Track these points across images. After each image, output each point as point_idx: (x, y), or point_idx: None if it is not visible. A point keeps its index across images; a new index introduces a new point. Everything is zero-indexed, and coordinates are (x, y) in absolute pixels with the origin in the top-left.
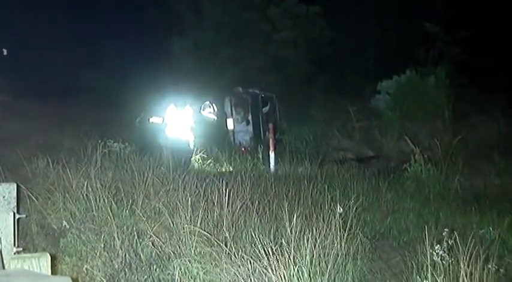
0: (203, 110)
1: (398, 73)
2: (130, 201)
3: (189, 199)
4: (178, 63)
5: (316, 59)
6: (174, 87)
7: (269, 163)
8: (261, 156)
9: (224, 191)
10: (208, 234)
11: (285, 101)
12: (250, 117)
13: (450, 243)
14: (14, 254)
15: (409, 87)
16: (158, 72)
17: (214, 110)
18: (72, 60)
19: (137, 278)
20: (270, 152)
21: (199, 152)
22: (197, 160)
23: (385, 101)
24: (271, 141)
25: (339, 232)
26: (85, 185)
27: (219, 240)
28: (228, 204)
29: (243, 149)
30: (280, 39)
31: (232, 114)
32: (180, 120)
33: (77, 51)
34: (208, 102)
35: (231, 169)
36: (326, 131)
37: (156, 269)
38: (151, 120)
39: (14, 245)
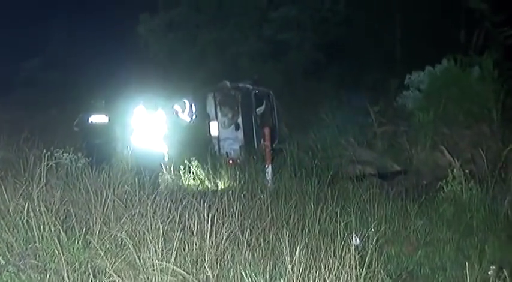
0: (175, 109)
1: (432, 63)
2: (84, 229)
3: (161, 227)
4: (146, 49)
5: (326, 44)
6: (142, 81)
7: (265, 180)
8: (254, 171)
9: (206, 216)
10: (186, 273)
11: (285, 98)
12: (240, 120)
13: None
14: None
15: (446, 81)
16: (121, 60)
17: (192, 111)
18: (8, 47)
19: None
20: (266, 165)
21: (174, 166)
22: (171, 176)
23: (415, 99)
24: (267, 151)
25: (354, 270)
26: (25, 208)
27: (199, 280)
28: (211, 233)
29: (230, 161)
30: (279, 17)
31: (216, 117)
32: (150, 125)
33: (14, 34)
34: (184, 101)
35: (215, 187)
36: (338, 138)
37: None
38: (90, 119)
39: None
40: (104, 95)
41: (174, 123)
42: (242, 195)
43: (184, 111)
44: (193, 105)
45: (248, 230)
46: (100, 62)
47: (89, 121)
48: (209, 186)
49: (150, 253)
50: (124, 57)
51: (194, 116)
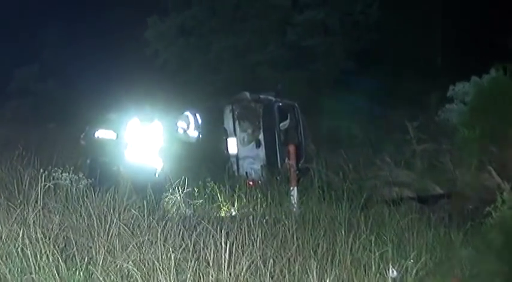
0: (181, 127)
1: (478, 72)
2: (86, 259)
3: (172, 256)
4: (154, 56)
5: (358, 51)
6: (146, 92)
7: (290, 203)
8: (277, 193)
9: (223, 244)
10: None
11: (313, 112)
12: (261, 137)
13: None
14: None
15: (494, 93)
16: (126, 69)
17: (198, 124)
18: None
19: None
20: (291, 187)
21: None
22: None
23: (459, 114)
24: (292, 171)
25: None
26: (20, 234)
27: None
28: (229, 264)
29: (250, 182)
30: (304, 21)
31: (235, 132)
32: (145, 139)
33: (6, 39)
34: (186, 115)
35: (234, 212)
36: (372, 156)
37: None
38: (97, 134)
39: None
40: (116, 107)
41: (173, 137)
42: (264, 221)
43: (190, 126)
44: (198, 117)
45: (271, 260)
46: (103, 71)
47: (95, 136)
48: (226, 210)
49: None
50: (130, 66)
51: (199, 123)
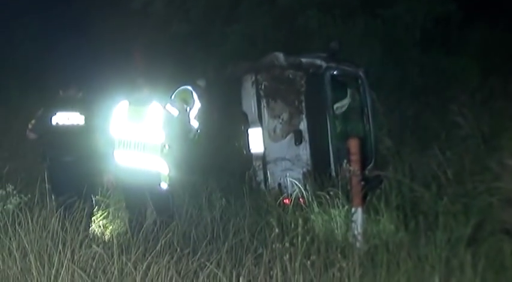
0: (180, 107)
1: None
2: None
3: None
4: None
5: None
6: (129, 59)
7: (350, 234)
8: (330, 218)
9: None
10: None
11: (389, 85)
12: (303, 126)
13: None
14: None
15: None
16: (99, 20)
17: (190, 106)
18: None
19: None
20: (353, 208)
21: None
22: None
23: None
24: (354, 181)
25: None
26: None
27: None
28: None
29: (285, 199)
30: None
31: (260, 119)
32: (141, 131)
33: None
34: (189, 90)
35: (259, 247)
36: (486, 157)
37: None
38: (55, 119)
39: None
40: (80, 81)
41: (174, 127)
42: (308, 262)
43: (193, 108)
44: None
45: None
46: (52, 24)
47: (53, 122)
48: (247, 244)
49: None
50: (104, 16)
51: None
